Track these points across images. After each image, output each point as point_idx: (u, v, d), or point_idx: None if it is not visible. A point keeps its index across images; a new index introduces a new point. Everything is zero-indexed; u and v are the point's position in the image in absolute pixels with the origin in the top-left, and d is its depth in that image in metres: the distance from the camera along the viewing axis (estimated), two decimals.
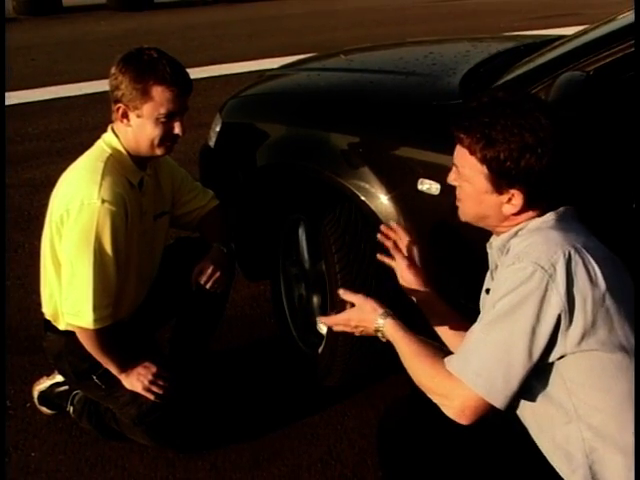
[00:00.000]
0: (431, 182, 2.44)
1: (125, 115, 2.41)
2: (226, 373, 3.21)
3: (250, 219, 3.24)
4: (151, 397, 2.57)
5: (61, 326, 2.57)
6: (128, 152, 2.47)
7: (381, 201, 2.61)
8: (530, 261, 1.69)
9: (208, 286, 2.70)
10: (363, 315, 1.98)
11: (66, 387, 2.90)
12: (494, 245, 1.93)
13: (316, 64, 3.76)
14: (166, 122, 2.41)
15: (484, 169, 1.78)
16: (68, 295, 2.43)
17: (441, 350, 1.88)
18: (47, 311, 2.62)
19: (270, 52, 9.46)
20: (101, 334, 2.45)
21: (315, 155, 2.83)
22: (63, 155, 5.89)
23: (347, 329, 2.02)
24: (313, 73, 3.49)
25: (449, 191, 2.32)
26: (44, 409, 2.97)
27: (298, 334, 3.22)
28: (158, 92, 2.36)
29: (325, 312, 2.94)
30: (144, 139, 2.43)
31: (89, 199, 2.34)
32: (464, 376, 1.73)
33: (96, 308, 2.39)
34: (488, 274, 2.01)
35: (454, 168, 1.89)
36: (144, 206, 2.55)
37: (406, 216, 2.57)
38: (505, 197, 1.79)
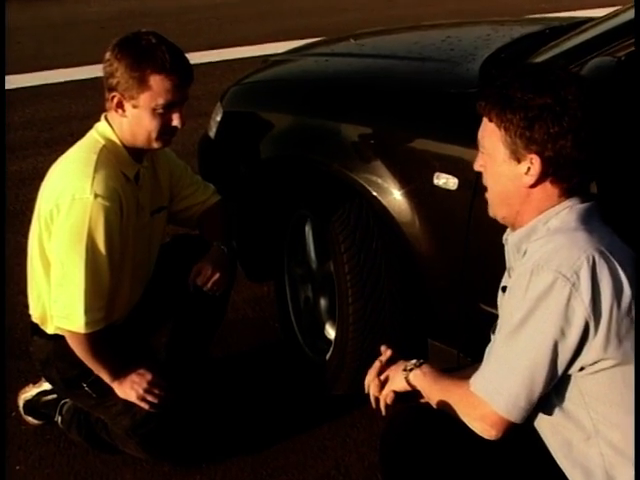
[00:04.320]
0: (448, 176, 2.45)
1: (120, 105, 2.41)
2: (226, 381, 3.23)
3: (253, 215, 3.25)
4: (146, 406, 2.58)
5: (49, 330, 2.58)
6: (123, 143, 2.48)
7: (394, 197, 2.62)
8: (551, 269, 1.69)
9: (206, 288, 2.71)
10: (391, 377, 2.05)
11: (54, 396, 2.91)
12: (510, 241, 1.94)
13: (324, 49, 3.77)
14: (164, 113, 2.41)
15: (502, 133, 1.80)
16: (58, 297, 2.44)
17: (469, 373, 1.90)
18: (34, 313, 2.63)
19: (275, 36, 9.46)
20: (93, 338, 2.46)
21: (323, 147, 2.84)
22: (51, 146, 5.90)
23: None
24: (321, 59, 3.50)
25: (467, 186, 2.35)
26: (30, 419, 2.98)
27: (304, 339, 3.23)
28: (156, 81, 2.36)
29: (333, 316, 2.96)
30: (140, 131, 2.44)
31: (81, 193, 2.34)
32: (486, 395, 1.77)
33: (88, 311, 2.40)
34: (505, 272, 2.02)
35: (479, 153, 1.90)
36: (141, 201, 2.56)
37: (421, 213, 2.58)
38: (524, 166, 1.79)
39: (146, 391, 2.58)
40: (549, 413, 1.82)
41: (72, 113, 6.87)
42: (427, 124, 2.61)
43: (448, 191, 2.46)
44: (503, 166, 1.83)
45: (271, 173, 3.11)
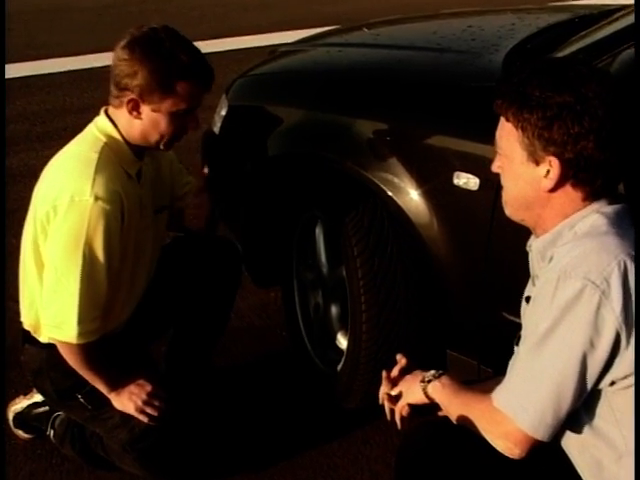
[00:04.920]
0: (469, 176, 2.46)
1: (136, 108, 2.41)
2: (230, 393, 3.24)
3: (260, 216, 3.26)
4: (144, 419, 2.59)
5: (43, 338, 2.59)
6: (125, 140, 2.49)
7: (411, 197, 2.63)
8: (579, 275, 1.69)
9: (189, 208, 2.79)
10: (407, 388, 2.06)
11: (46, 408, 2.92)
12: (534, 247, 1.94)
13: (337, 39, 3.79)
14: (182, 117, 2.44)
15: (519, 134, 1.80)
16: (49, 304, 2.44)
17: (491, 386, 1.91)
18: (26, 321, 2.63)
19: (283, 24, 9.47)
20: (86, 349, 2.46)
21: (335, 143, 2.85)
22: (44, 141, 5.93)
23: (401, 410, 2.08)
24: (333, 49, 3.51)
25: (489, 186, 2.35)
26: (20, 433, 2.99)
27: (314, 349, 3.24)
28: (183, 88, 2.38)
29: (345, 324, 2.96)
30: (154, 134, 2.45)
31: (80, 195, 2.34)
32: (510, 411, 1.77)
33: (81, 321, 2.40)
34: (529, 280, 2.02)
35: (497, 154, 1.91)
36: (144, 200, 2.57)
37: (439, 214, 2.59)
38: (543, 169, 1.79)
39: (145, 403, 2.58)
40: (577, 431, 1.82)
41: (66, 106, 6.90)
42: (446, 120, 2.62)
43: (469, 191, 2.46)
44: (521, 168, 1.83)
45: (279, 171, 3.12)
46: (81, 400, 2.62)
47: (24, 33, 9.82)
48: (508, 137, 1.83)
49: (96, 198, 2.34)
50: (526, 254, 2.01)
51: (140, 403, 2.58)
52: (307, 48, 3.73)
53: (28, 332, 2.64)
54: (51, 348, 2.55)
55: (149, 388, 2.59)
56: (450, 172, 2.50)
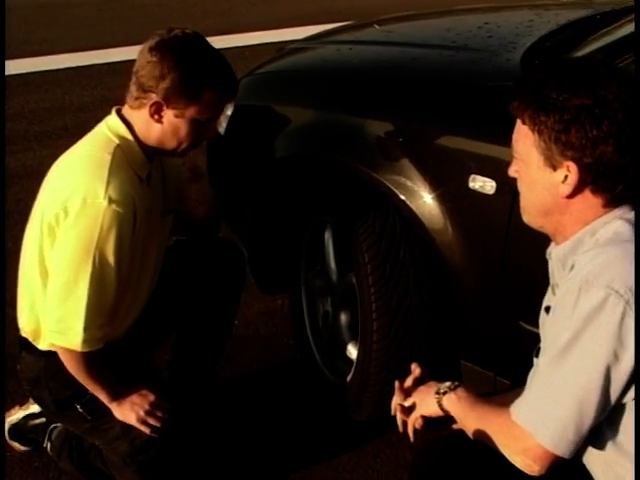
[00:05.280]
0: (485, 179, 2.46)
1: (158, 111, 2.42)
2: (235, 404, 3.24)
3: (267, 220, 3.27)
4: (147, 430, 2.59)
5: (42, 345, 2.59)
6: (139, 142, 2.49)
7: (424, 201, 2.63)
8: (601, 284, 1.68)
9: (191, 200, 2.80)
10: (421, 400, 2.06)
11: (43, 419, 2.92)
12: (553, 255, 1.94)
13: (347, 36, 3.79)
14: (203, 125, 2.47)
15: (535, 138, 1.80)
16: (54, 308, 2.44)
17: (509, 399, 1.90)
18: (26, 327, 2.63)
19: (291, 20, 9.47)
20: (89, 356, 2.46)
21: (346, 145, 2.86)
22: (42, 140, 5.93)
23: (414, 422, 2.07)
24: (344, 47, 3.52)
25: (506, 190, 2.35)
26: (16, 445, 2.99)
27: (322, 359, 3.24)
28: (210, 96, 2.41)
29: (355, 333, 2.96)
30: (172, 140, 2.47)
31: (93, 197, 2.34)
32: (529, 426, 1.77)
33: (87, 328, 2.40)
34: (549, 289, 2.02)
35: (513, 158, 1.91)
36: (152, 203, 2.57)
37: (454, 219, 2.59)
38: (560, 174, 1.79)
39: (148, 413, 2.58)
40: (600, 447, 1.82)
41: (65, 104, 6.90)
42: (462, 121, 2.62)
43: (485, 195, 2.47)
44: (537, 174, 1.83)
45: (287, 174, 3.13)
46: (80, 410, 2.62)
47: (22, 29, 9.82)
48: (524, 141, 1.83)
49: (110, 201, 2.34)
50: (545, 261, 2.01)
51: (142, 413, 2.58)
52: (316, 46, 3.74)
53: (25, 339, 2.64)
54: (50, 356, 2.56)
55: (152, 398, 2.59)
56: (465, 175, 2.51)
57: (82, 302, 2.38)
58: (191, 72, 2.39)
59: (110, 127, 2.49)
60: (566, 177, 1.78)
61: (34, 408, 2.93)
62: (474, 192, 2.49)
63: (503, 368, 2.59)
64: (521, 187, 1.91)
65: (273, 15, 10.28)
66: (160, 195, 2.66)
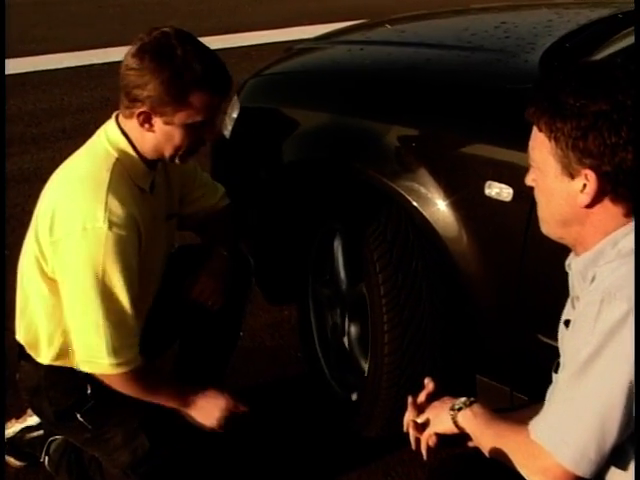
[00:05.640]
0: (502, 186, 2.46)
1: (147, 120, 2.41)
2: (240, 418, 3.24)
3: (273, 228, 3.28)
4: (227, 428, 2.64)
5: (42, 358, 2.60)
6: (138, 152, 2.49)
7: (438, 208, 2.64)
8: (624, 297, 1.68)
9: (201, 300, 2.78)
10: (435, 416, 2.05)
11: (40, 432, 2.93)
12: (573, 267, 1.94)
13: (358, 36, 3.80)
14: (198, 128, 2.44)
15: (552, 145, 1.80)
16: (77, 339, 2.47)
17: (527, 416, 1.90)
18: (25, 338, 2.64)
19: (299, 19, 9.50)
20: (132, 375, 2.49)
21: (356, 150, 2.86)
22: (39, 143, 5.93)
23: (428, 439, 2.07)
24: (354, 47, 3.53)
25: (524, 197, 2.35)
26: (12, 460, 2.99)
27: (331, 372, 3.24)
28: (197, 99, 2.38)
29: (365, 346, 2.96)
30: (168, 147, 2.46)
31: (93, 222, 2.35)
32: (549, 445, 1.76)
33: (112, 352, 2.42)
34: (568, 302, 2.02)
35: (531, 167, 1.91)
36: (156, 210, 2.58)
37: (469, 227, 2.59)
38: (578, 183, 1.79)
39: (228, 413, 2.62)
40: (623, 467, 1.81)
41: (64, 106, 6.91)
42: (478, 125, 2.62)
43: (501, 202, 2.47)
44: (555, 183, 1.83)
45: (295, 179, 3.13)
46: (81, 420, 2.63)
47: (19, 26, 9.84)
48: (541, 148, 1.83)
49: (110, 224, 2.35)
50: (565, 271, 2.01)
51: (226, 413, 2.62)
52: (326, 46, 3.75)
53: (24, 347, 2.66)
54: (50, 364, 2.57)
55: (229, 398, 2.64)
56: (481, 181, 2.51)
57: (101, 329, 2.40)
58: (172, 77, 2.34)
59: (110, 139, 2.49)
60: (585, 186, 1.78)
61: (31, 420, 2.94)
62: (490, 199, 2.49)
63: (520, 383, 2.59)
64: (538, 197, 1.91)
65: (280, 13, 10.30)
66: (164, 200, 2.67)
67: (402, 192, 2.69)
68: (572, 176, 1.79)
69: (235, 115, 3.35)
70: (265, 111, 3.31)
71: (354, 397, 3.06)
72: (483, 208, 2.54)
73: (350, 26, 4.25)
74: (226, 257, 2.84)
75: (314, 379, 3.29)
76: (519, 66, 2.77)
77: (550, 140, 1.80)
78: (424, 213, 2.65)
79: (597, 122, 1.74)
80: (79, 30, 9.30)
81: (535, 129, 1.84)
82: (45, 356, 2.59)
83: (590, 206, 1.80)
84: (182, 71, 2.35)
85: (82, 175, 2.47)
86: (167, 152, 2.47)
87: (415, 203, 2.67)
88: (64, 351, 2.55)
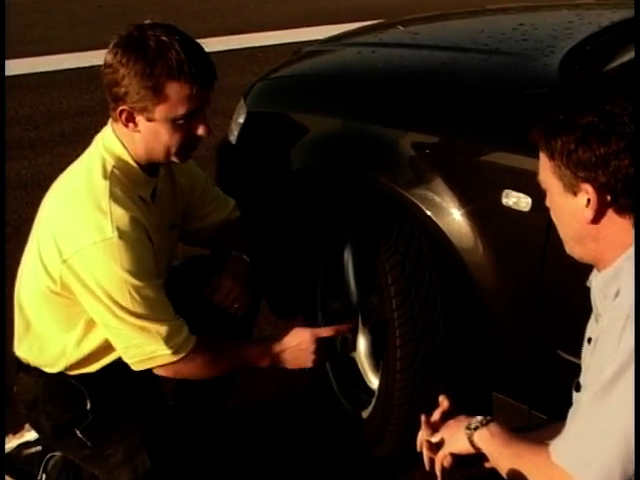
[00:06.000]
0: (519, 195, 2.46)
1: (130, 118, 2.41)
2: (246, 435, 3.25)
3: (280, 238, 3.28)
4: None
5: (53, 368, 2.60)
6: (135, 159, 2.49)
7: (453, 218, 2.64)
8: None
9: (226, 306, 2.75)
10: (450, 435, 2.05)
11: (38, 448, 2.92)
12: (594, 285, 1.95)
13: (370, 38, 3.81)
14: (185, 123, 2.42)
15: (551, 164, 1.84)
16: (123, 346, 2.49)
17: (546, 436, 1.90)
18: (26, 354, 2.64)
19: (308, 19, 9.51)
20: (197, 353, 2.52)
21: (368, 157, 2.87)
22: (37, 148, 5.93)
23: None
24: (366, 50, 3.53)
25: (543, 207, 2.34)
26: (8, 478, 2.99)
27: (340, 388, 3.24)
28: (174, 90, 2.36)
29: (377, 360, 2.96)
30: (158, 146, 2.45)
31: (102, 235, 2.36)
32: (571, 467, 1.76)
33: (165, 341, 2.45)
34: (591, 318, 2.02)
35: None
36: (159, 220, 2.58)
37: (486, 238, 2.59)
38: (582, 198, 1.81)
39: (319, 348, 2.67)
40: None
41: (63, 109, 6.93)
42: (495, 131, 2.62)
43: (519, 212, 2.47)
44: (561, 201, 1.87)
45: (304, 187, 3.14)
46: (80, 436, 2.63)
47: (17, 26, 9.87)
48: (544, 168, 1.88)
49: (120, 233, 2.36)
50: (586, 287, 2.01)
51: (319, 346, 2.66)
52: (336, 48, 3.76)
53: (22, 359, 2.66)
54: (49, 376, 2.58)
55: (312, 328, 2.70)
56: (498, 190, 2.51)
57: (142, 330, 2.43)
58: (144, 68, 2.34)
59: (106, 146, 2.49)
60: (589, 201, 1.81)
61: (29, 436, 2.93)
62: (507, 209, 2.49)
63: (539, 401, 2.58)
64: (553, 218, 1.95)
65: (288, 13, 10.31)
66: (167, 209, 2.67)
67: (415, 201, 2.69)
68: (574, 193, 1.83)
69: (241, 120, 3.35)
70: (273, 116, 3.32)
71: (364, 414, 3.06)
72: (500, 218, 2.54)
73: (361, 27, 4.25)
74: (245, 260, 2.84)
75: (322, 395, 3.29)
76: (538, 70, 2.77)
77: (549, 159, 1.85)
78: (438, 223, 2.66)
79: (585, 135, 1.78)
80: (79, 30, 9.32)
81: (539, 151, 1.89)
82: (57, 366, 2.60)
83: (596, 221, 1.83)
84: (154, 61, 2.34)
85: (80, 189, 2.47)
86: (158, 152, 2.47)
87: (429, 212, 2.67)
88: (81, 361, 2.57)
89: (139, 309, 2.41)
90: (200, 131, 2.46)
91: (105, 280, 2.38)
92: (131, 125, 2.42)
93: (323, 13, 9.80)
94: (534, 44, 3.05)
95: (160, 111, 2.38)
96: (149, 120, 2.40)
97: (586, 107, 1.78)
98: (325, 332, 2.71)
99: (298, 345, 2.66)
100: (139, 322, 2.42)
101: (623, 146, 1.76)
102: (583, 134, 1.77)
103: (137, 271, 2.39)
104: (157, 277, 2.49)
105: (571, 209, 1.85)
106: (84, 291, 2.42)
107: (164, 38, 2.37)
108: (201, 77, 2.40)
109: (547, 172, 1.87)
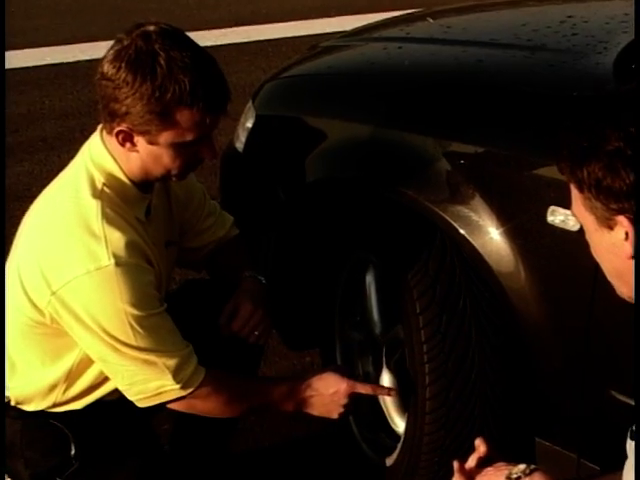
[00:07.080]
0: (567, 212, 2.44)
1: (128, 139, 2.41)
2: None
3: (293, 258, 3.29)
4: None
5: (38, 406, 2.62)
6: (128, 176, 2.49)
7: (491, 237, 2.64)
8: None
9: (244, 335, 2.76)
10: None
11: None
12: None
13: (395, 32, 3.82)
14: (190, 147, 2.44)
15: (581, 197, 1.84)
16: (125, 384, 2.51)
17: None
18: (19, 394, 2.65)
19: (324, 10, 9.54)
20: (210, 382, 2.54)
21: (393, 168, 2.88)
22: (16, 154, 5.92)
23: None
24: (391, 45, 3.53)
25: None
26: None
27: (360, 432, 3.24)
28: (185, 117, 2.36)
29: (403, 401, 2.96)
30: (157, 168, 2.47)
31: (97, 263, 2.36)
32: None
33: (173, 374, 2.47)
34: None
35: None
36: (154, 238, 2.59)
37: (528, 261, 2.59)
38: (620, 232, 1.81)
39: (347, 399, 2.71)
40: None
41: (45, 110, 6.95)
42: (539, 139, 2.62)
43: (567, 232, 2.46)
44: (597, 236, 1.87)
45: (320, 201, 3.15)
46: None
47: None
48: (576, 201, 1.88)
49: (117, 260, 2.37)
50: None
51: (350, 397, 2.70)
52: (358, 43, 3.77)
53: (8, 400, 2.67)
54: (28, 418, 2.58)
55: (347, 378, 2.72)
56: (543, 207, 2.51)
57: (146, 364, 2.45)
58: (154, 92, 2.31)
59: (94, 160, 2.49)
60: (627, 234, 1.81)
61: None
62: (553, 228, 2.49)
63: (589, 449, 2.58)
64: (593, 254, 1.95)
65: (301, 2, 10.33)
66: (162, 225, 2.68)
67: (447, 218, 2.69)
68: (610, 227, 1.83)
69: (249, 124, 3.36)
70: (285, 120, 3.33)
71: (388, 462, 3.06)
72: (545, 238, 2.54)
73: (386, 20, 4.25)
74: (260, 281, 2.86)
75: (340, 439, 3.29)
76: (589, 69, 2.77)
77: (578, 190, 1.85)
78: (474, 243, 2.66)
79: (612, 162, 1.77)
80: (64, 20, 9.36)
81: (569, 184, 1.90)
82: (42, 404, 2.61)
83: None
84: (166, 84, 2.31)
85: (67, 209, 2.47)
86: (156, 173, 2.49)
87: (463, 231, 2.67)
88: (69, 397, 2.59)
89: (143, 342, 2.42)
90: (205, 155, 2.49)
91: (102, 314, 2.39)
92: (128, 145, 2.42)
93: (342, 4, 9.82)
94: (584, 39, 3.05)
95: (165, 137, 2.38)
96: (151, 143, 2.40)
97: (611, 130, 1.77)
98: (363, 389, 2.74)
99: (332, 395, 2.68)
100: (143, 356, 2.43)
101: None
102: (610, 161, 1.76)
103: (139, 301, 2.40)
104: (161, 304, 2.50)
105: (609, 244, 1.85)
106: (77, 326, 2.43)
107: (175, 54, 2.33)
108: (215, 103, 2.41)
109: (579, 205, 1.87)
